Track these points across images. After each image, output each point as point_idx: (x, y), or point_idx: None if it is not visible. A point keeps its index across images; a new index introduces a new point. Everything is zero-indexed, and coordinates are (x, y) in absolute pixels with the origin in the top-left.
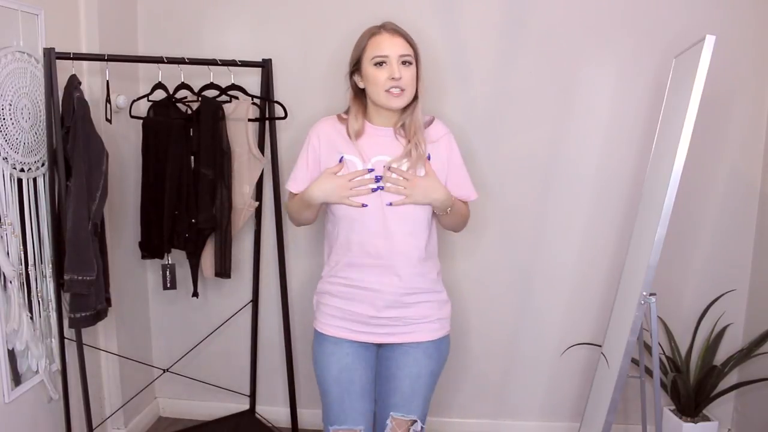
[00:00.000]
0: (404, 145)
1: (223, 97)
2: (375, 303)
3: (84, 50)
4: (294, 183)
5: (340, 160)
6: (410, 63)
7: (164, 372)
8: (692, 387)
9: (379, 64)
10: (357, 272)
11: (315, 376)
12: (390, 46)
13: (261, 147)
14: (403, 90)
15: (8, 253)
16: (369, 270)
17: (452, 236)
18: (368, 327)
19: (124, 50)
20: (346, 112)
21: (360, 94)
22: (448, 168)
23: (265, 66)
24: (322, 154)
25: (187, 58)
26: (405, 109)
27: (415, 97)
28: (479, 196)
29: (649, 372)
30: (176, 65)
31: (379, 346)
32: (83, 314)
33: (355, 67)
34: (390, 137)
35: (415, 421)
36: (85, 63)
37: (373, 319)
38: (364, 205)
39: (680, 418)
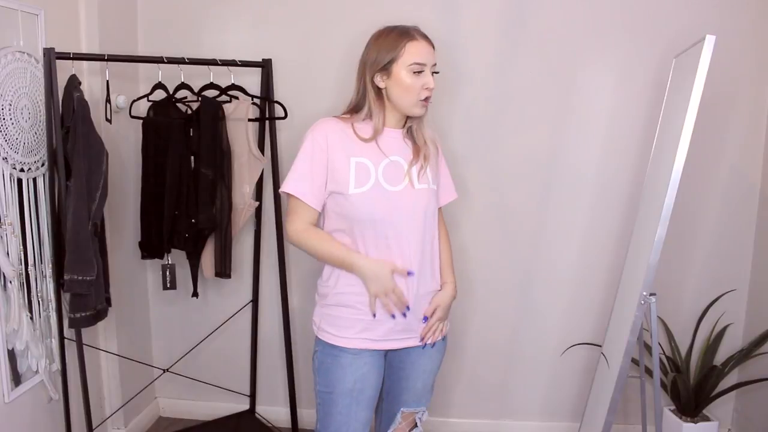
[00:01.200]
0: (410, 146)
1: (223, 97)
2: (410, 310)
3: (84, 50)
4: (298, 188)
5: (409, 273)
6: (437, 73)
7: (164, 372)
8: (692, 387)
9: (419, 72)
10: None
11: (318, 386)
12: (428, 55)
13: (261, 147)
14: (429, 99)
15: (8, 253)
16: (398, 276)
17: (452, 237)
18: (390, 334)
19: (124, 50)
20: (347, 112)
21: (380, 95)
22: (438, 171)
23: (265, 66)
24: (330, 156)
25: (187, 58)
26: None
27: None
28: (479, 196)
29: (649, 372)
30: (176, 65)
31: (387, 350)
32: (83, 314)
33: (384, 67)
34: (400, 138)
35: (421, 410)
36: (85, 63)
37: (396, 325)
38: (373, 315)
39: (680, 418)
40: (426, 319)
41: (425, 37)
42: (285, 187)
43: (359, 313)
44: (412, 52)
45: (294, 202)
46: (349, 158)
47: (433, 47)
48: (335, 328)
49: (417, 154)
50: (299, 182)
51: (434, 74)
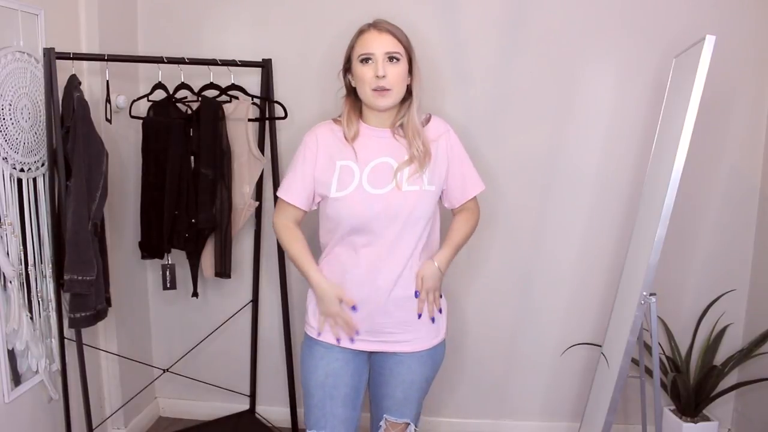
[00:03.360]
0: (404, 145)
1: (223, 97)
2: (365, 310)
3: (84, 50)
4: (288, 194)
5: (354, 309)
6: (397, 60)
7: (164, 372)
8: (692, 387)
9: (365, 61)
10: (351, 277)
11: (301, 378)
12: (377, 44)
13: (261, 147)
14: (388, 89)
15: (8, 253)
16: (365, 275)
17: None
18: (361, 334)
19: (124, 50)
20: (341, 115)
21: (353, 93)
22: (448, 165)
23: (265, 66)
24: (318, 161)
25: (187, 58)
26: (401, 108)
27: (410, 95)
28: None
29: (649, 372)
30: (176, 65)
31: (371, 352)
32: (83, 314)
33: (347, 65)
34: (388, 138)
35: (409, 424)
36: (85, 63)
37: (365, 324)
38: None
39: (680, 418)
40: (417, 294)
41: (378, 27)
42: (279, 193)
43: None
44: (360, 44)
45: (282, 203)
46: (334, 162)
47: (394, 36)
48: (313, 320)
49: (411, 155)
50: (291, 191)
51: (394, 61)
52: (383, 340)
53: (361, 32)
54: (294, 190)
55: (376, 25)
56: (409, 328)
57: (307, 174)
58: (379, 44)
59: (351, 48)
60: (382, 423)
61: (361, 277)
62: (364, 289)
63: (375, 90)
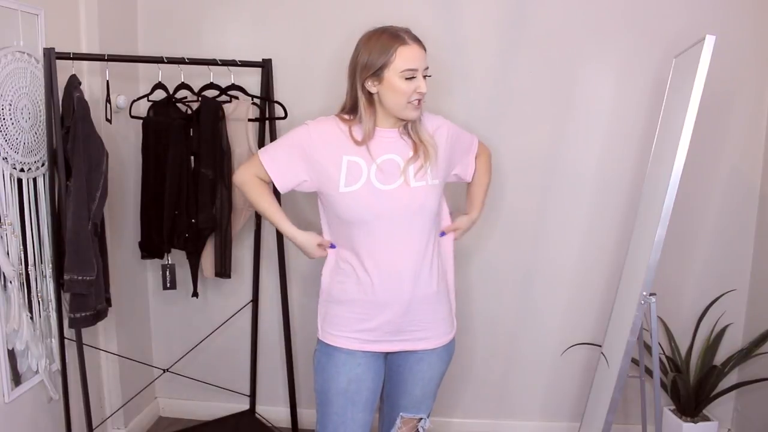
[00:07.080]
0: (408, 144)
1: (223, 97)
2: (389, 311)
3: (84, 50)
4: (270, 161)
5: (332, 246)
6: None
7: (164, 372)
8: (692, 387)
9: (410, 78)
10: (367, 279)
11: (316, 384)
12: (420, 59)
13: (261, 147)
14: (422, 100)
15: (8, 253)
16: (380, 277)
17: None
18: (383, 335)
19: (124, 50)
20: (346, 112)
21: (371, 99)
22: (451, 149)
23: (265, 66)
24: (317, 156)
25: (187, 58)
26: None
27: None
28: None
29: (649, 372)
30: (176, 65)
31: (388, 352)
32: (83, 314)
33: (375, 73)
34: (396, 137)
35: (422, 418)
36: (85, 63)
37: (387, 325)
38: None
39: (680, 418)
40: (443, 234)
41: (417, 40)
42: (260, 155)
43: (351, 312)
44: (405, 57)
45: (257, 162)
46: (341, 156)
47: (425, 50)
48: (331, 326)
49: (416, 152)
50: (274, 160)
51: (426, 77)
52: (404, 339)
53: (400, 44)
54: (277, 163)
55: (413, 37)
56: (428, 325)
57: (295, 158)
58: (422, 60)
59: (387, 58)
60: (398, 421)
61: (380, 280)
62: (385, 293)
63: (410, 102)
